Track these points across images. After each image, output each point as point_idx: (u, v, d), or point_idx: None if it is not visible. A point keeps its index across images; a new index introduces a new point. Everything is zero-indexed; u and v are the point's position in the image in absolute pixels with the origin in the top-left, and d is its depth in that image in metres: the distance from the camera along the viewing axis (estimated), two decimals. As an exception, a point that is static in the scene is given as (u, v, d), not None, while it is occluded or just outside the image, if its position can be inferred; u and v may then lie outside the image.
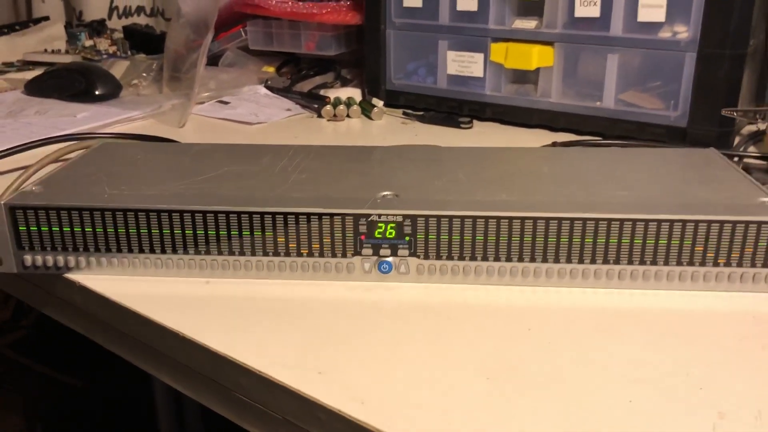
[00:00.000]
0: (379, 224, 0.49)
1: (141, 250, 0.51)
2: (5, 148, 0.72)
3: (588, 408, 0.37)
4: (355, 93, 1.02)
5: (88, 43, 1.42)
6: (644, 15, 0.77)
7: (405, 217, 0.49)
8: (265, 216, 0.50)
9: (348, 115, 0.95)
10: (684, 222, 0.47)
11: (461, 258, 0.50)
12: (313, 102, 0.98)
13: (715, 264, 0.48)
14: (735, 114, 0.70)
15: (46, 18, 1.59)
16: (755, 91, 0.81)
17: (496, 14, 0.87)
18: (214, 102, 1.02)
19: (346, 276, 0.51)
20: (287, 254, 0.51)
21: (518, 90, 0.89)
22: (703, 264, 0.48)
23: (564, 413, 0.37)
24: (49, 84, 1.04)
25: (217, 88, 1.05)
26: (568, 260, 0.49)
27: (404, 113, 0.96)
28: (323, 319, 0.46)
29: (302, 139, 0.86)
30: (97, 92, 1.01)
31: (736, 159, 0.71)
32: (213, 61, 1.14)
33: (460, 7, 0.89)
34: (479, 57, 0.89)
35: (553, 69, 0.85)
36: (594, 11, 0.80)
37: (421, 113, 0.94)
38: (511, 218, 0.48)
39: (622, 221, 0.47)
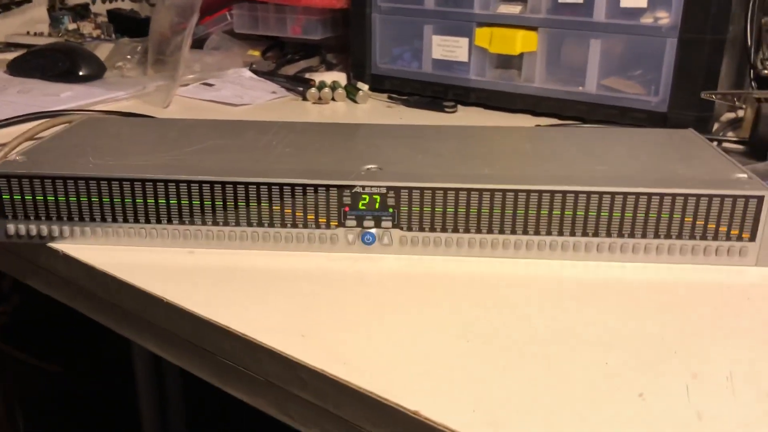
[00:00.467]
0: (363, 196, 0.50)
1: (125, 220, 0.52)
2: (-12, 123, 0.72)
3: (564, 369, 0.38)
4: (340, 77, 1.02)
5: (72, 26, 1.41)
6: (627, 1, 0.78)
7: (389, 188, 0.50)
8: (250, 186, 0.50)
9: (333, 99, 0.95)
10: (661, 195, 0.48)
11: (444, 230, 0.50)
12: (298, 85, 0.98)
13: (692, 237, 0.49)
14: (714, 97, 0.71)
15: (29, 0, 1.57)
16: (734, 78, 0.82)
17: (481, -1, 0.88)
18: (199, 84, 1.01)
19: (329, 247, 0.51)
20: (271, 225, 0.51)
21: (502, 75, 0.90)
22: (679, 237, 0.49)
23: (541, 373, 0.38)
24: (33, 64, 1.04)
25: (202, 71, 1.05)
26: (548, 233, 0.50)
27: (389, 97, 0.96)
28: (306, 287, 0.47)
29: (287, 120, 0.86)
30: (80, 73, 1.01)
31: (715, 144, 0.72)
32: (198, 44, 1.14)
33: (445, -9, 0.89)
34: (464, 42, 0.90)
35: (536, 54, 0.85)
36: (577, -3, 0.81)
37: (405, 97, 0.95)
38: (492, 190, 0.49)
39: (600, 194, 0.48)
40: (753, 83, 0.77)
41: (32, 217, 0.52)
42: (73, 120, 0.67)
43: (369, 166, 0.52)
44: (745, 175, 0.50)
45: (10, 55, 1.13)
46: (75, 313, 0.56)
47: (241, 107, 0.92)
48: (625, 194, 0.48)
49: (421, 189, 0.49)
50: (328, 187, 0.50)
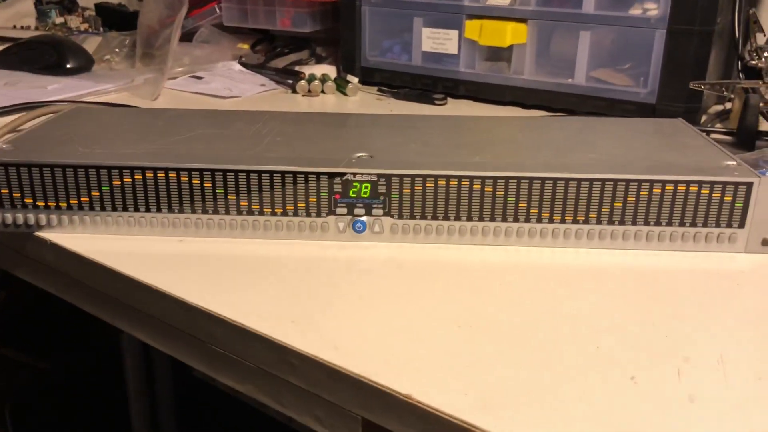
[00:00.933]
0: (354, 183, 0.50)
1: (114, 209, 0.51)
2: (-26, 114, 0.71)
3: (556, 353, 0.38)
4: (330, 70, 1.02)
5: (59, 20, 1.40)
6: (616, -8, 0.78)
7: (380, 176, 0.49)
8: (240, 174, 0.50)
9: (323, 91, 0.95)
10: (652, 182, 0.48)
11: (435, 218, 0.50)
12: (288, 77, 0.98)
13: (682, 224, 0.49)
14: (702, 87, 0.71)
15: (15, -6, 1.56)
16: (722, 69, 0.83)
17: (470, -9, 0.87)
18: (188, 77, 1.01)
19: (320, 235, 0.51)
20: (261, 213, 0.51)
21: (492, 67, 0.90)
22: (670, 224, 0.49)
23: (533, 358, 0.38)
24: (20, 56, 1.03)
25: (191, 64, 1.04)
26: (539, 220, 0.50)
27: (379, 90, 0.96)
28: (297, 275, 0.46)
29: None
30: (68, 65, 1.00)
31: (703, 134, 0.72)
32: (187, 37, 1.13)
33: (435, -16, 0.89)
34: (454, 34, 0.90)
35: (526, 46, 0.85)
36: (567, -11, 0.81)
37: (395, 90, 0.95)
38: (483, 178, 0.49)
39: (591, 181, 0.48)
40: (741, 74, 0.77)
41: (19, 206, 0.51)
42: (61, 110, 0.67)
43: (360, 154, 0.52)
44: (734, 162, 0.50)
45: (-3, 48, 1.12)
46: (63, 307, 0.56)
47: (230, 100, 0.92)
48: (616, 181, 0.48)
49: (412, 176, 0.49)
50: (318, 174, 0.50)
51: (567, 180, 0.48)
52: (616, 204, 0.49)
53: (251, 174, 0.50)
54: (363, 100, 0.93)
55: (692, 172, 0.48)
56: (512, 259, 0.49)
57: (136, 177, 0.50)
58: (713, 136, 0.72)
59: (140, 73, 0.99)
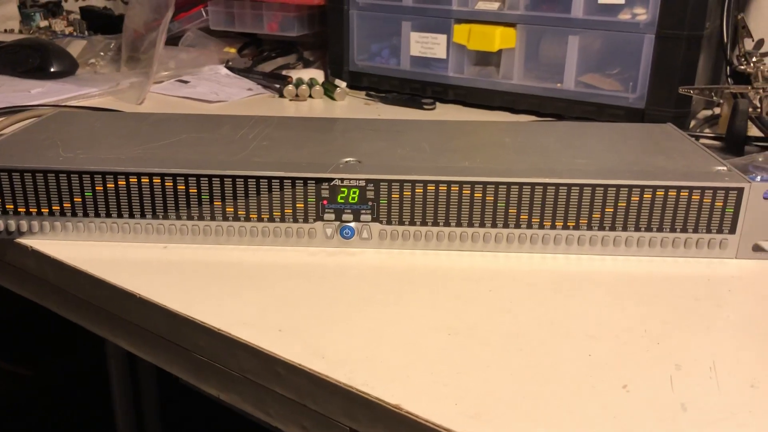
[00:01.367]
0: (342, 189, 0.49)
1: (97, 215, 0.50)
2: (-46, 118, 0.70)
3: (547, 361, 0.37)
4: (317, 74, 1.01)
5: (43, 23, 1.39)
6: (604, -3, 0.78)
7: (368, 181, 0.49)
8: (225, 180, 0.49)
9: (310, 96, 0.94)
10: (642, 187, 0.48)
11: (424, 223, 0.49)
12: (275, 82, 0.97)
13: (672, 230, 0.49)
14: (691, 92, 0.71)
15: (-1, -3, 1.54)
16: (711, 74, 0.83)
17: (459, -4, 0.87)
18: (174, 81, 1.00)
19: (307, 241, 0.50)
20: (247, 219, 0.50)
21: (480, 72, 0.89)
22: (660, 230, 0.49)
23: (524, 366, 0.37)
24: (2, 60, 1.01)
25: (177, 68, 1.03)
26: (529, 226, 0.49)
27: (367, 95, 0.96)
28: (283, 282, 0.46)
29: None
30: (52, 69, 0.99)
31: (692, 139, 0.72)
32: (173, 41, 1.12)
33: (423, -12, 0.89)
34: (442, 38, 0.89)
35: (515, 51, 0.85)
36: (555, -7, 0.80)
37: (384, 95, 0.94)
38: (473, 183, 0.48)
39: (581, 186, 0.48)
40: (729, 79, 0.77)
41: (0, 212, 0.50)
42: (43, 114, 0.66)
43: (347, 159, 0.51)
44: (725, 168, 0.50)
45: (-21, 52, 1.11)
46: (45, 314, 0.55)
47: (216, 104, 0.91)
48: (606, 186, 0.48)
49: (401, 182, 0.49)
50: (305, 180, 0.49)
51: (557, 185, 0.48)
52: (606, 210, 0.48)
53: (237, 179, 0.49)
54: (351, 105, 0.93)
55: (683, 178, 0.48)
56: (502, 265, 0.48)
57: (119, 182, 0.49)
58: (702, 141, 0.72)
59: (125, 77, 0.98)
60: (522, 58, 0.85)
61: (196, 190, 0.49)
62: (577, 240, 0.49)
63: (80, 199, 0.50)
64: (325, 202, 0.49)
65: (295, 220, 0.50)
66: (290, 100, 0.94)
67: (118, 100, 0.91)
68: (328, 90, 0.95)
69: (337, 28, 0.97)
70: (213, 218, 0.50)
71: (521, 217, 0.49)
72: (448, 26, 0.88)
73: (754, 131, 0.71)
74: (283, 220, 0.50)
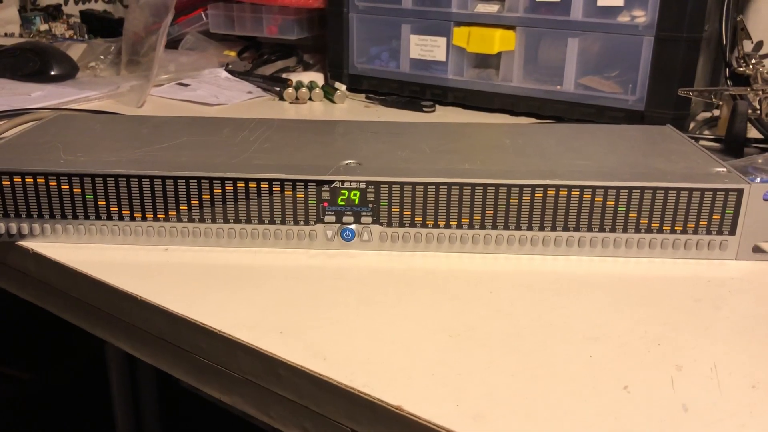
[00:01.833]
0: (342, 191, 0.49)
1: (97, 217, 0.50)
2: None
3: (548, 363, 0.37)
4: (317, 77, 1.02)
5: (44, 27, 1.39)
6: (604, 0, 0.78)
7: (368, 183, 0.49)
8: (226, 182, 0.49)
9: (310, 98, 0.95)
10: (642, 189, 0.48)
11: (424, 225, 0.50)
12: (275, 85, 0.97)
13: (672, 231, 0.49)
14: (690, 94, 0.71)
15: (-1, 1, 1.54)
16: (710, 76, 0.83)
17: (458, -2, 0.87)
18: (174, 84, 1.00)
19: (308, 244, 0.50)
20: (248, 221, 0.50)
21: (480, 74, 0.89)
22: (660, 231, 0.49)
23: (524, 367, 0.37)
24: (2, 63, 1.01)
25: (177, 71, 1.03)
26: (530, 228, 0.49)
27: (367, 97, 0.96)
28: (284, 284, 0.46)
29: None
30: (52, 72, 0.99)
31: (692, 141, 0.72)
32: (173, 44, 1.12)
33: (423, -9, 0.89)
34: (442, 41, 0.89)
35: (514, 53, 0.85)
36: (555, -4, 0.81)
37: (383, 97, 0.94)
38: (473, 185, 0.48)
39: (582, 188, 0.48)
40: (728, 81, 0.78)
41: (1, 215, 0.50)
42: (43, 117, 0.66)
43: (348, 162, 0.51)
44: (724, 169, 0.50)
45: (-21, 55, 1.11)
46: (44, 316, 0.55)
47: (216, 107, 0.91)
48: (606, 188, 0.48)
49: (401, 184, 0.49)
50: (306, 182, 0.49)
51: (557, 187, 0.48)
52: (606, 211, 0.48)
53: (238, 182, 0.49)
54: (351, 108, 0.93)
55: (682, 179, 0.48)
56: (502, 267, 0.49)
57: (120, 185, 0.49)
58: (702, 143, 0.72)
59: (125, 80, 0.98)
60: (521, 60, 0.85)
61: (196, 193, 0.49)
62: (578, 242, 0.49)
63: (81, 202, 0.50)
64: (325, 204, 0.49)
65: (296, 223, 0.50)
66: (290, 102, 0.94)
67: (118, 103, 0.91)
68: (328, 93, 0.95)
69: (336, 31, 0.97)
70: (214, 221, 0.50)
71: (521, 218, 0.49)
72: (448, 29, 0.88)
73: (753, 133, 0.71)
74: (283, 222, 0.50)
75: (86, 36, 1.33)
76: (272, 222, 0.50)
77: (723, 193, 0.48)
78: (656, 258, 0.49)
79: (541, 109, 0.85)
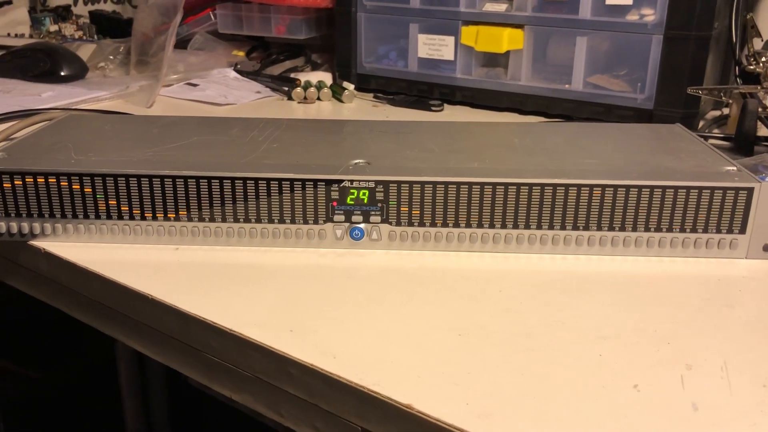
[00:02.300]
0: (351, 190, 0.49)
1: (109, 217, 0.50)
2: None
3: (558, 361, 0.37)
4: (325, 77, 1.02)
5: (53, 28, 1.40)
6: (612, -2, 0.78)
7: (377, 183, 0.49)
8: (236, 182, 0.49)
9: (319, 98, 0.95)
10: (652, 188, 0.48)
11: (433, 224, 0.50)
12: (284, 84, 0.97)
13: (682, 230, 0.49)
14: (700, 92, 0.71)
15: (9, 2, 1.55)
16: (719, 74, 0.83)
17: (466, -3, 0.87)
18: (183, 84, 1.00)
19: (317, 243, 0.50)
20: (258, 221, 0.50)
21: (488, 73, 0.89)
22: (670, 230, 0.49)
23: (534, 366, 0.37)
24: (13, 64, 1.02)
25: (186, 71, 1.04)
26: (539, 226, 0.49)
27: (375, 97, 0.96)
28: (294, 282, 0.46)
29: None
30: (62, 73, 0.99)
31: (701, 140, 0.72)
32: (182, 44, 1.13)
33: (431, -10, 0.89)
34: (450, 40, 0.89)
35: (522, 52, 0.85)
36: (563, -6, 0.81)
37: (391, 97, 0.94)
38: (482, 184, 0.48)
39: (591, 187, 0.48)
40: (738, 79, 0.77)
41: (13, 215, 0.51)
42: (54, 117, 0.66)
43: (357, 161, 0.51)
44: (735, 168, 0.50)
45: (-10, 56, 1.12)
46: (55, 316, 0.55)
47: (225, 107, 0.91)
48: (616, 187, 0.48)
49: (410, 183, 0.49)
50: (315, 182, 0.49)
51: (566, 186, 0.48)
52: (615, 210, 0.48)
53: (248, 181, 0.49)
54: (359, 107, 0.93)
55: (692, 178, 0.48)
56: (512, 266, 0.49)
57: (131, 184, 0.49)
58: (711, 141, 0.72)
59: (135, 80, 0.99)
60: (530, 59, 0.85)
61: (207, 192, 0.49)
62: (587, 240, 0.49)
63: (92, 202, 0.50)
64: (334, 203, 0.50)
65: (305, 222, 0.50)
66: (299, 102, 0.94)
67: (127, 103, 0.92)
68: (336, 92, 0.95)
69: (344, 30, 0.97)
70: (224, 220, 0.50)
71: (530, 217, 0.49)
72: (456, 28, 0.88)
73: (763, 131, 0.71)
74: (293, 221, 0.50)
75: (95, 36, 1.34)
76: (282, 221, 0.50)
77: (733, 191, 0.48)
78: (666, 257, 0.49)
79: (549, 107, 0.85)
